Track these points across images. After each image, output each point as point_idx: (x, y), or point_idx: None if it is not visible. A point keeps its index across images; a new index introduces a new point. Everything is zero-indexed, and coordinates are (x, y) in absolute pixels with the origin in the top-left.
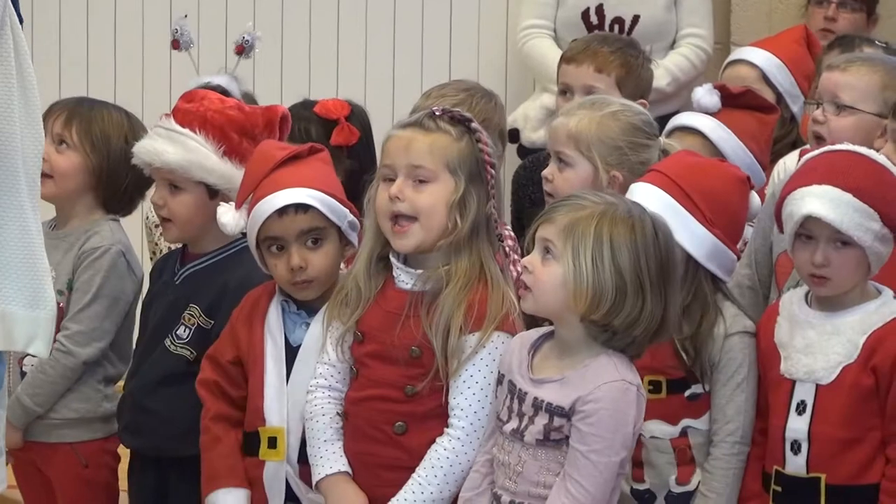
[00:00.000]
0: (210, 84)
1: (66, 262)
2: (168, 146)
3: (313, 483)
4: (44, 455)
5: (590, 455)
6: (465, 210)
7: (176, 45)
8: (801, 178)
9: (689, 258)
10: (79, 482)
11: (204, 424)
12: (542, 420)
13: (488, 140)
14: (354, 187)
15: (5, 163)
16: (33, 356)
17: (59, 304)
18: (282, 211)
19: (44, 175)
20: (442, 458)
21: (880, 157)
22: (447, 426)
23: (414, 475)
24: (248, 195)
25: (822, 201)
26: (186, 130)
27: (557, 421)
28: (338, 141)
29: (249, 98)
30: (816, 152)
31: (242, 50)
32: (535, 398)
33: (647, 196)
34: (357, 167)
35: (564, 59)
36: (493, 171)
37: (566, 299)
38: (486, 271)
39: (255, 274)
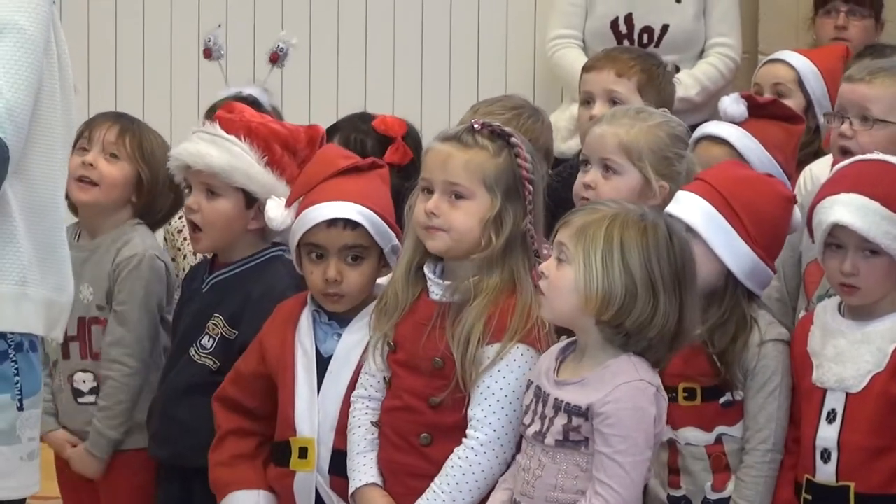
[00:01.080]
0: (240, 95)
1: (101, 275)
2: (212, 149)
3: (349, 496)
4: None
5: (615, 456)
6: (500, 227)
7: (207, 54)
8: (831, 187)
9: (728, 273)
10: (130, 489)
11: (213, 444)
12: (561, 420)
13: (528, 155)
14: (399, 206)
15: (51, 157)
16: (83, 372)
17: (100, 318)
18: (331, 222)
19: (90, 182)
20: (455, 466)
21: None
22: (465, 436)
23: (431, 484)
24: (301, 195)
25: (849, 209)
26: (232, 137)
27: (576, 421)
28: (392, 159)
29: (276, 112)
30: (847, 162)
31: (277, 58)
32: (556, 399)
33: (693, 206)
34: (404, 187)
35: (585, 69)
36: (531, 188)
37: (578, 301)
38: (517, 286)
39: (277, 285)
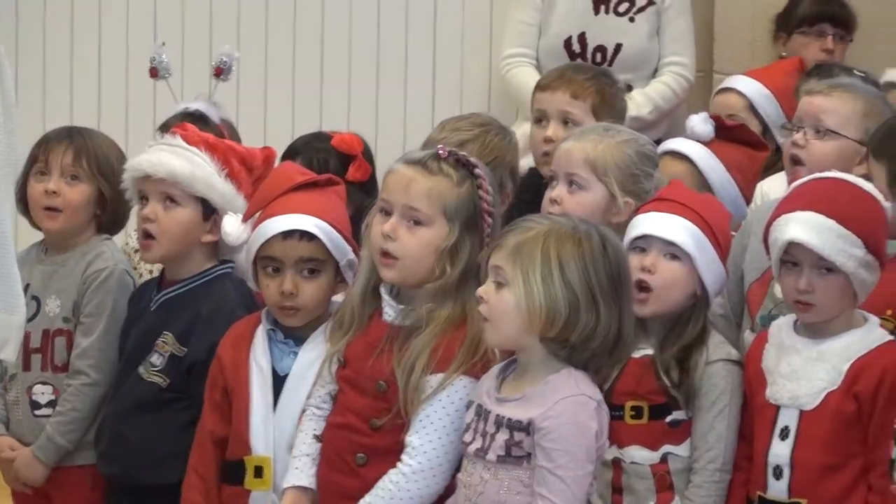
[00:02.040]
0: (188, 109)
1: (70, 287)
2: (174, 159)
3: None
4: (53, 478)
5: (556, 471)
6: (455, 257)
7: (154, 73)
8: (788, 205)
9: (703, 292)
10: None
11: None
12: (502, 436)
13: (490, 188)
14: (360, 222)
15: None
16: (43, 385)
17: (66, 330)
18: (287, 234)
19: (54, 210)
20: (384, 489)
21: (867, 185)
22: (399, 461)
23: (360, 501)
24: (258, 210)
25: (804, 227)
26: (193, 147)
27: (517, 436)
28: (355, 176)
29: (228, 124)
30: (804, 179)
31: (221, 72)
32: (497, 415)
33: (678, 228)
34: (364, 204)
35: (539, 87)
36: (490, 220)
37: (522, 322)
38: (467, 318)
39: (226, 303)
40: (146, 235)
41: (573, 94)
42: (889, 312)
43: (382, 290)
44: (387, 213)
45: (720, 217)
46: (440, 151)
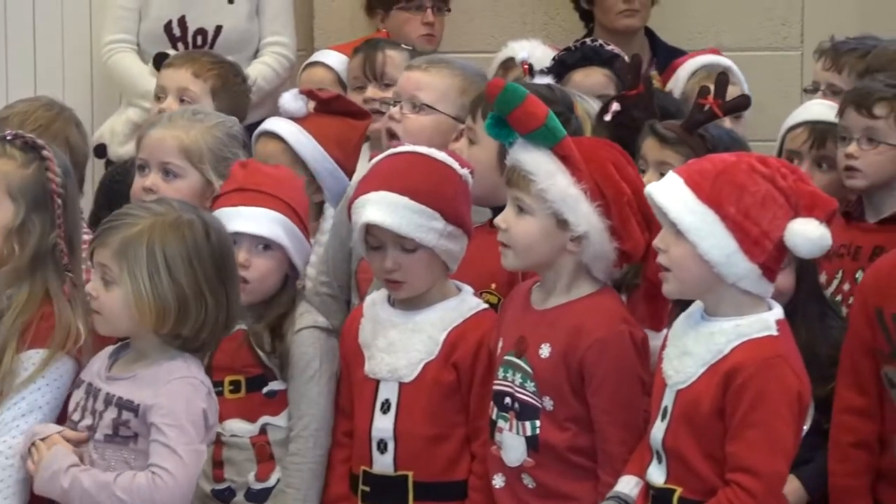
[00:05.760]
0: None
1: None
2: None
3: None
4: None
5: (169, 443)
6: (25, 238)
7: None
8: (365, 184)
9: (293, 269)
10: None
11: None
12: (111, 414)
13: (58, 169)
14: None
15: None
16: None
17: None
18: None
19: None
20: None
21: (441, 155)
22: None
23: None
24: None
25: (378, 207)
26: None
27: (126, 415)
28: None
29: None
30: (382, 156)
31: None
32: (107, 393)
33: (267, 221)
34: None
35: (164, 65)
36: (59, 201)
37: (133, 319)
38: (51, 300)
39: None
40: None
41: (195, 73)
42: (493, 286)
43: None
44: None
45: (300, 192)
46: (7, 135)
